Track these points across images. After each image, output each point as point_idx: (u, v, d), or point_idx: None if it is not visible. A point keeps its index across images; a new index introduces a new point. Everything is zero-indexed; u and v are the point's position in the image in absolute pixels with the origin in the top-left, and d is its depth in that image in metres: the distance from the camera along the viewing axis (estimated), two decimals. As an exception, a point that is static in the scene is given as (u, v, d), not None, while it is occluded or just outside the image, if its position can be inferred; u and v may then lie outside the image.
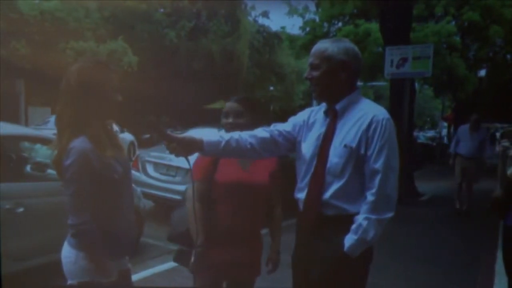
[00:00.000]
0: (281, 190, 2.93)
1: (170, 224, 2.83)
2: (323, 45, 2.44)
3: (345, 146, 2.34)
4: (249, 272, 2.85)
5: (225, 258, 2.69)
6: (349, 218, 2.35)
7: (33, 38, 21.07)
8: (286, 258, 2.67)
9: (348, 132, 2.36)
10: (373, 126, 2.31)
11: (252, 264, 2.84)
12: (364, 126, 2.32)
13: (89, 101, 2.28)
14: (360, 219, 2.30)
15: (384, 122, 2.32)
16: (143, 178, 8.05)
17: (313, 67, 2.44)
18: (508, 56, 22.89)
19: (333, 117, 2.44)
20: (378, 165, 2.29)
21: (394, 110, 11.15)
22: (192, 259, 2.64)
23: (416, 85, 18.40)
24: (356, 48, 2.45)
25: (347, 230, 2.33)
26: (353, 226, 2.31)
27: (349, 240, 2.31)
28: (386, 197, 2.30)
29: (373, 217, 2.28)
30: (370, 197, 2.30)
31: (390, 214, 2.32)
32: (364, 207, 2.30)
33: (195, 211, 2.60)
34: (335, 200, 2.37)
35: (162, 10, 31.06)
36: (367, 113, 2.34)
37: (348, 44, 2.44)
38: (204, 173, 2.71)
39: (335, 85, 2.41)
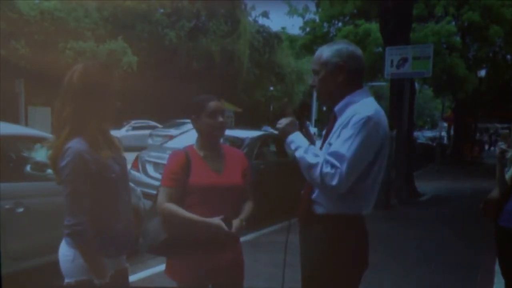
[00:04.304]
0: (252, 185, 2.85)
1: (144, 236, 2.73)
2: (319, 51, 2.47)
3: (329, 144, 2.36)
4: (233, 276, 2.76)
5: (206, 264, 2.61)
6: (336, 218, 2.36)
7: (33, 38, 21.11)
8: (280, 257, 2.66)
9: (335, 131, 2.36)
10: (350, 123, 2.28)
11: (235, 267, 2.76)
12: (343, 124, 2.31)
13: (89, 102, 2.28)
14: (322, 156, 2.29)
15: (356, 119, 2.26)
16: (143, 178, 8.06)
17: (314, 73, 2.48)
18: (508, 56, 22.84)
19: (333, 119, 2.46)
20: (343, 150, 2.23)
21: (394, 110, 11.16)
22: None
23: (416, 85, 18.40)
24: (351, 48, 2.43)
25: (334, 230, 2.36)
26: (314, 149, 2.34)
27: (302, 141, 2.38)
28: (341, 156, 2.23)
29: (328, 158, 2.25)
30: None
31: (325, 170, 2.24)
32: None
33: (174, 208, 2.55)
34: (320, 199, 2.39)
35: (161, 10, 31.09)
36: (352, 112, 2.32)
37: (341, 45, 2.45)
38: (176, 179, 2.61)
39: (334, 88, 2.42)
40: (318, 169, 2.24)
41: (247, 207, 2.76)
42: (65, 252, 2.34)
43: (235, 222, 2.59)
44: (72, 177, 2.21)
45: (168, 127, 20.25)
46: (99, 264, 2.31)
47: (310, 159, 2.28)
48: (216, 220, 2.51)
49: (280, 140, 2.51)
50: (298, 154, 2.33)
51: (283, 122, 2.46)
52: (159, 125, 24.62)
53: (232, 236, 2.58)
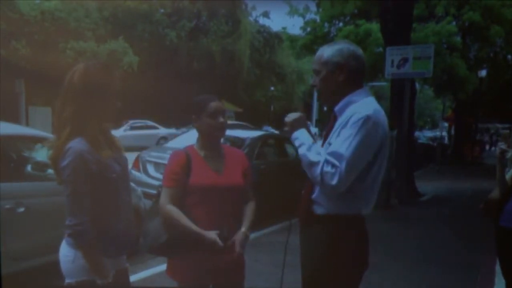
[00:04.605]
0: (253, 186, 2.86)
1: (144, 237, 2.72)
2: (320, 51, 2.47)
3: (329, 144, 2.36)
4: (234, 276, 2.76)
5: (207, 264, 2.61)
6: (335, 219, 2.36)
7: (33, 38, 21.11)
8: (280, 257, 2.66)
9: (335, 131, 2.36)
10: (349, 122, 2.28)
11: (236, 267, 2.75)
12: (342, 124, 2.31)
13: (90, 102, 2.28)
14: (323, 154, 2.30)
15: (355, 118, 2.26)
16: (144, 178, 8.06)
17: (315, 73, 2.48)
18: (509, 56, 22.87)
19: (333, 119, 2.46)
20: (342, 149, 2.24)
21: (394, 110, 11.16)
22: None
23: (417, 85, 18.40)
24: (352, 47, 2.44)
25: (334, 230, 2.36)
26: (317, 148, 2.34)
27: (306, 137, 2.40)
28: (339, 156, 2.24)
29: (328, 157, 2.25)
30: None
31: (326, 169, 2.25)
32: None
33: (174, 212, 2.55)
34: (321, 199, 2.39)
35: (162, 10, 31.08)
36: (352, 112, 2.32)
37: (342, 45, 2.45)
38: (177, 179, 2.61)
39: (335, 88, 2.42)
40: (319, 168, 2.25)
41: (249, 212, 2.76)
42: (65, 253, 2.34)
43: (238, 237, 2.60)
44: (73, 177, 2.21)
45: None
46: (100, 264, 2.30)
47: (312, 157, 2.29)
48: (212, 235, 2.49)
49: (280, 140, 2.51)
50: (301, 151, 2.34)
51: (291, 116, 2.47)
52: (157, 125, 24.66)
53: (229, 249, 2.57)
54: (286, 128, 2.49)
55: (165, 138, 23.08)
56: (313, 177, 2.30)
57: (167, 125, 26.25)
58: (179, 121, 25.50)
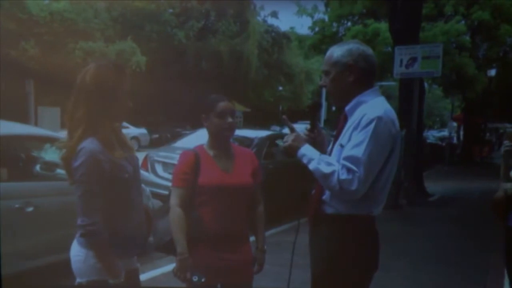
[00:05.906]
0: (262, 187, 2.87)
1: (154, 234, 2.75)
2: (330, 51, 2.46)
3: (340, 145, 2.35)
4: (242, 276, 2.76)
5: (216, 263, 2.62)
6: (346, 219, 2.36)
7: (42, 39, 21.22)
8: (287, 257, 2.66)
9: (345, 132, 2.36)
10: (360, 124, 2.27)
11: (245, 266, 2.76)
12: (354, 125, 2.30)
13: (102, 102, 2.28)
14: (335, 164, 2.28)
15: (367, 120, 2.25)
16: (152, 178, 8.08)
17: (325, 74, 2.47)
18: (518, 56, 22.73)
19: (344, 119, 2.45)
20: (359, 153, 2.22)
21: (403, 110, 11.11)
22: (174, 267, 2.58)
23: (425, 84, 18.34)
24: (361, 47, 2.42)
25: (344, 230, 2.36)
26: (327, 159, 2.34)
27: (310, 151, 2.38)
28: (356, 159, 2.23)
29: (344, 162, 2.24)
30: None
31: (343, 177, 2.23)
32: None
33: (176, 219, 2.57)
34: (331, 199, 2.38)
35: (171, 10, 31.12)
36: (362, 113, 2.31)
37: (352, 45, 2.44)
38: (186, 179, 2.62)
39: (345, 88, 2.41)
40: (335, 177, 2.24)
41: (261, 224, 2.83)
42: (76, 252, 2.35)
43: (259, 257, 2.79)
44: (86, 178, 2.22)
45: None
46: (112, 264, 2.31)
47: (325, 169, 2.28)
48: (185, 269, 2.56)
49: None
50: (311, 166, 2.32)
51: (288, 138, 2.46)
52: (128, 125, 24.32)
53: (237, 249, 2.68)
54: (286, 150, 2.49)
55: (136, 139, 22.88)
56: (330, 187, 2.29)
57: (175, 125, 26.28)
58: (189, 121, 25.50)
